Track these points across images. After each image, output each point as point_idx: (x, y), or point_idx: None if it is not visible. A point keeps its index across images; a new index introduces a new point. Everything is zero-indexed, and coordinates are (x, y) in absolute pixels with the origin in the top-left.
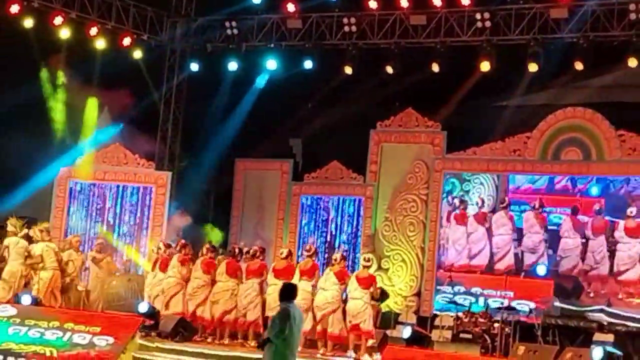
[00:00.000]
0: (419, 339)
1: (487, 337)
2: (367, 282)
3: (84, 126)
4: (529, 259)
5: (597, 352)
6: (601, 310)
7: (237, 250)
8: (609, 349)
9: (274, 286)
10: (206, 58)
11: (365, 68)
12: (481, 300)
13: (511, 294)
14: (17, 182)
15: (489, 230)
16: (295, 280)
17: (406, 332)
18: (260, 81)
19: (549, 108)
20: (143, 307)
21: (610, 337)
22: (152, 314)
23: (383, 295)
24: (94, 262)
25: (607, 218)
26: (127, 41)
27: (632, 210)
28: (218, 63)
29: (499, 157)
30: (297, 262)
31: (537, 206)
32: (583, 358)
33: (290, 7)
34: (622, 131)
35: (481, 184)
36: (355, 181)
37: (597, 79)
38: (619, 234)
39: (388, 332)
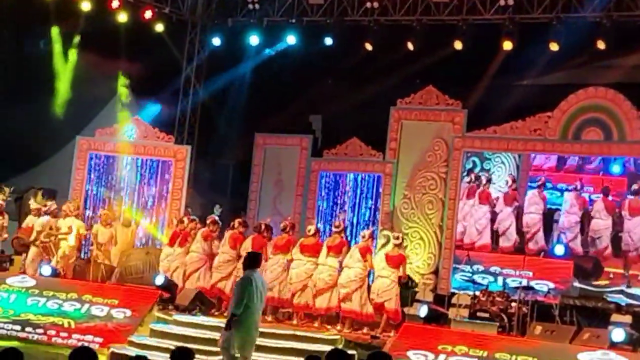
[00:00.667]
0: (435, 317)
1: (504, 316)
2: (396, 261)
3: (117, 103)
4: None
5: (618, 333)
6: (621, 292)
7: (263, 226)
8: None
9: (299, 261)
10: (227, 33)
11: (386, 45)
12: (500, 279)
13: (530, 273)
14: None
15: (516, 210)
16: (322, 256)
17: (423, 311)
18: (271, 50)
19: (570, 88)
20: (159, 280)
21: (628, 319)
22: (169, 286)
23: (410, 283)
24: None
25: None
26: (148, 14)
27: None
28: (239, 38)
29: (519, 136)
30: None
31: (578, 187)
32: (601, 339)
33: None
34: None
35: (502, 162)
36: (375, 158)
37: (619, 59)
38: None
39: (405, 309)
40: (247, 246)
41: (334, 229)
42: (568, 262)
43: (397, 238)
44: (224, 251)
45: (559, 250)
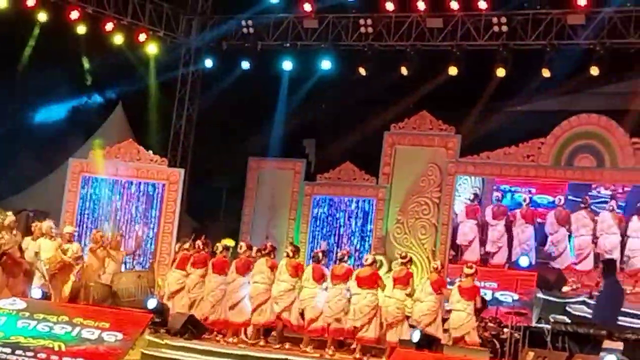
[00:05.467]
0: (428, 343)
1: (496, 342)
2: (471, 293)
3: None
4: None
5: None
6: (583, 302)
7: (320, 254)
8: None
9: (357, 295)
10: (221, 56)
11: (381, 70)
12: None
13: (495, 284)
14: None
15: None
16: (388, 289)
17: (415, 336)
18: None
19: (563, 114)
20: (152, 304)
21: (619, 345)
22: (161, 310)
23: (483, 304)
24: (91, 252)
25: None
26: (142, 37)
27: None
28: (233, 61)
29: (512, 162)
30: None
31: (527, 201)
32: None
33: (307, 7)
34: (636, 139)
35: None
36: (368, 183)
37: (612, 86)
38: None
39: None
40: (308, 276)
41: (400, 260)
42: (532, 273)
43: (470, 267)
44: (283, 279)
45: (524, 261)
